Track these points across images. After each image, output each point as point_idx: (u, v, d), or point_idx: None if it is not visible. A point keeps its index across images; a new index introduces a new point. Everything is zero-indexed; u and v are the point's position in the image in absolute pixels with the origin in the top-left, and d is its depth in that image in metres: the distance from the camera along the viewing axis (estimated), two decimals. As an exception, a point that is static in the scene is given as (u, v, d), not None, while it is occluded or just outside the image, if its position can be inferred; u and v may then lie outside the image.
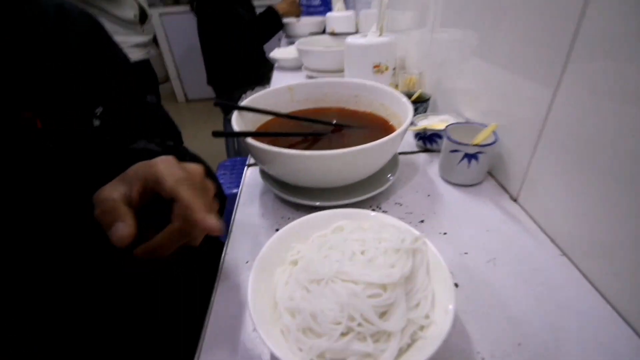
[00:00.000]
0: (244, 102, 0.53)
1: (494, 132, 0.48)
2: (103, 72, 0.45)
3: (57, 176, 0.35)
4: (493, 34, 0.51)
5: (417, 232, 0.34)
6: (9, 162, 0.32)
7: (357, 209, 0.39)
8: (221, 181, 1.31)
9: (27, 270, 0.34)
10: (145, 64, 1.37)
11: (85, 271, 0.38)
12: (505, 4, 0.47)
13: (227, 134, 0.46)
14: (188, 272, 0.46)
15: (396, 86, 0.95)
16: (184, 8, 2.79)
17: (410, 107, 0.47)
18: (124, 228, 0.27)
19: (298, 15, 1.75)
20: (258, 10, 1.69)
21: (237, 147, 1.82)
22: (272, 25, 1.62)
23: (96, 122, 0.41)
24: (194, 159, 0.51)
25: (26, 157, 0.33)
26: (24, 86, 0.34)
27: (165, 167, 0.29)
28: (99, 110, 0.41)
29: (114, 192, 0.29)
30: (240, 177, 1.47)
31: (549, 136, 0.42)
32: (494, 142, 0.47)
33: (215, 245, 0.53)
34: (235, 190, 1.26)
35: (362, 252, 0.31)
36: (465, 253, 0.41)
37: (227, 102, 0.50)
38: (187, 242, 0.29)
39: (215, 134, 0.41)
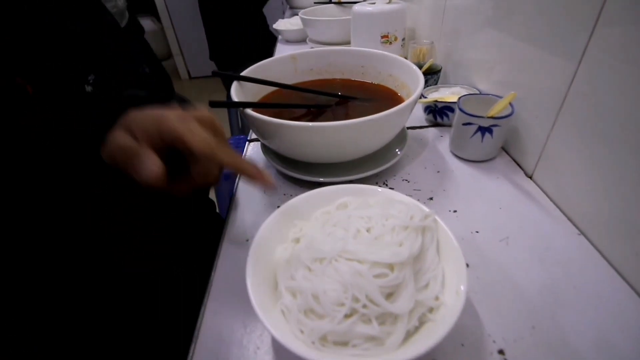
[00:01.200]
0: (244, 72, 0.50)
1: (511, 104, 0.44)
2: (94, 38, 0.43)
3: (49, 147, 0.33)
4: (510, 1, 0.47)
5: (426, 209, 0.32)
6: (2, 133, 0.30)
7: (363, 184, 0.37)
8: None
9: (27, 270, 0.33)
10: None
11: (85, 271, 0.37)
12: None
13: (225, 103, 0.43)
14: (188, 272, 0.45)
15: (405, 58, 0.90)
16: (185, -21, 2.69)
17: (420, 76, 0.44)
18: (153, 165, 0.27)
19: None
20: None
21: (241, 125, 1.79)
22: None
23: (88, 89, 0.39)
24: (182, 100, 0.50)
25: (19, 126, 0.31)
26: (13, 51, 0.32)
27: (183, 125, 0.29)
28: (91, 77, 0.39)
29: (126, 139, 0.29)
30: (244, 156, 1.45)
31: (570, 109, 0.38)
32: (510, 114, 0.44)
33: (214, 233, 0.54)
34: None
35: (368, 230, 0.29)
36: (477, 232, 0.39)
37: (227, 73, 0.47)
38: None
39: (213, 104, 0.38)
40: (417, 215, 0.30)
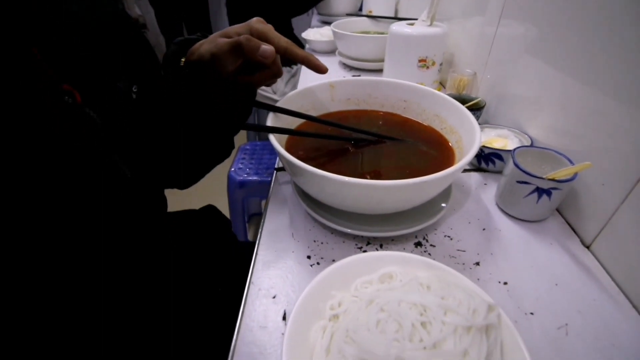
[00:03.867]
0: (281, 100, 0.47)
1: (575, 166, 0.40)
2: (132, 51, 0.43)
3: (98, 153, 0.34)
4: (579, 35, 0.42)
5: (489, 298, 0.28)
6: (51, 137, 0.30)
7: (408, 253, 0.33)
8: (240, 166, 1.26)
9: (29, 270, 0.31)
10: None
11: (88, 271, 0.35)
12: None
13: (260, 127, 0.44)
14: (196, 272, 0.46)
15: (440, 83, 0.86)
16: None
17: (477, 129, 0.40)
18: (269, 46, 0.38)
19: None
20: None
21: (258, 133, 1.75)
22: None
23: (134, 96, 0.41)
24: None
25: (69, 133, 0.31)
26: (61, 60, 0.33)
27: (266, 27, 0.40)
28: (134, 87, 0.41)
29: (229, 39, 0.38)
30: (261, 163, 1.39)
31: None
32: (573, 178, 0.39)
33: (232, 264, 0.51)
34: (254, 178, 1.21)
35: (423, 325, 0.25)
36: (531, 313, 0.34)
37: (264, 102, 0.44)
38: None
39: (248, 127, 0.42)
40: (480, 310, 0.26)
